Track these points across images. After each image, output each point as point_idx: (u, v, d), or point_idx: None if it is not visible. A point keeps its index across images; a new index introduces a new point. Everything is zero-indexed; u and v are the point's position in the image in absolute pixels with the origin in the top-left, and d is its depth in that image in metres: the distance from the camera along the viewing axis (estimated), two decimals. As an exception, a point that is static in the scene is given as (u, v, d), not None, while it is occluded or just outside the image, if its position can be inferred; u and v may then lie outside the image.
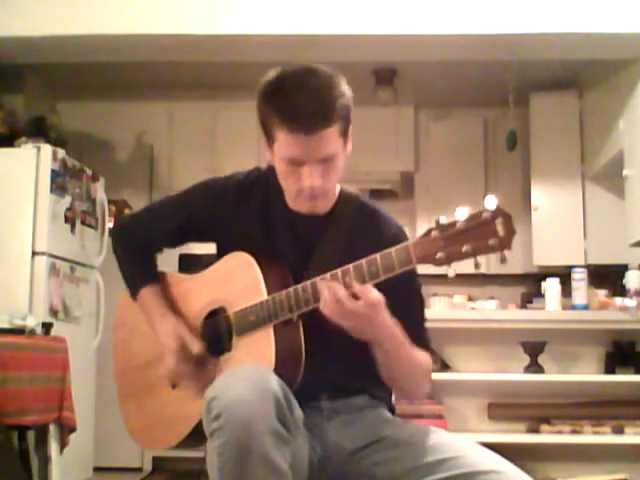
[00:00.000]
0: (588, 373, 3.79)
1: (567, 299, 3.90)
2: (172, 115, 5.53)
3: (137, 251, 1.75)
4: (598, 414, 3.68)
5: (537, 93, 5.22)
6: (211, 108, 5.46)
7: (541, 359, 3.71)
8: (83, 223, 4.23)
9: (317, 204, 1.52)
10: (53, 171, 3.92)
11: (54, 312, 3.87)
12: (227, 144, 5.37)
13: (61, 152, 4.04)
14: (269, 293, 1.50)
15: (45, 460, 3.36)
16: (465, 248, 1.27)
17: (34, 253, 3.83)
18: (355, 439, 1.50)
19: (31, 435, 3.39)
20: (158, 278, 1.74)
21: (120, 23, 3.94)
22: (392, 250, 1.35)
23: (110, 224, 4.55)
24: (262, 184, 1.63)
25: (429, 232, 1.31)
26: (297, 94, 1.43)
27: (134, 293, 1.73)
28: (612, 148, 4.62)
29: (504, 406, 3.80)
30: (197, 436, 1.55)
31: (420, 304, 1.63)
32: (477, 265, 1.29)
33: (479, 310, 4.24)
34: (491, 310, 4.23)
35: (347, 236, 1.58)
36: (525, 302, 5.20)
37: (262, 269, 1.52)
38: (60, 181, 3.99)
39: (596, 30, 3.91)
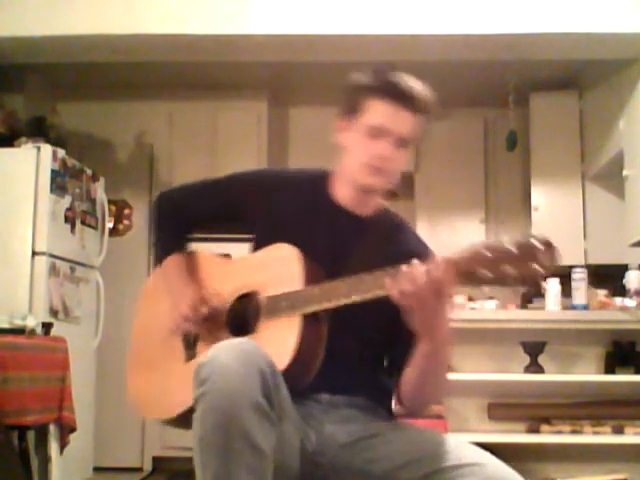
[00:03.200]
0: (588, 373, 3.79)
1: (567, 299, 3.90)
2: (172, 115, 5.52)
3: (177, 219, 1.81)
4: (598, 414, 3.68)
5: (537, 93, 5.22)
6: (211, 108, 5.46)
7: (541, 359, 3.71)
8: (83, 223, 4.23)
9: (378, 179, 1.63)
10: (53, 171, 3.92)
11: (54, 312, 3.87)
12: (227, 144, 5.36)
13: (61, 152, 4.04)
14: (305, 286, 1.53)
15: (45, 460, 3.36)
16: (508, 269, 1.30)
17: (34, 253, 3.83)
18: (349, 434, 1.51)
19: (31, 435, 3.39)
20: (189, 251, 1.80)
21: (120, 23, 3.94)
22: (436, 259, 1.37)
23: (110, 224, 4.55)
24: (311, 182, 1.72)
25: (475, 248, 1.33)
26: (407, 80, 1.63)
27: (163, 257, 1.78)
28: (612, 148, 4.62)
29: (504, 406, 3.80)
30: None
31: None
32: (524, 296, 1.34)
33: (479, 310, 4.24)
34: (491, 310, 4.23)
35: (382, 244, 1.65)
36: (525, 302, 5.20)
37: (305, 266, 1.55)
38: (60, 181, 3.99)
39: (596, 30, 3.91)
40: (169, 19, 3.96)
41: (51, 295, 3.86)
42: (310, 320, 1.50)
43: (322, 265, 1.57)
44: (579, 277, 3.85)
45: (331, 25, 3.95)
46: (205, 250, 1.82)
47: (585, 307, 3.81)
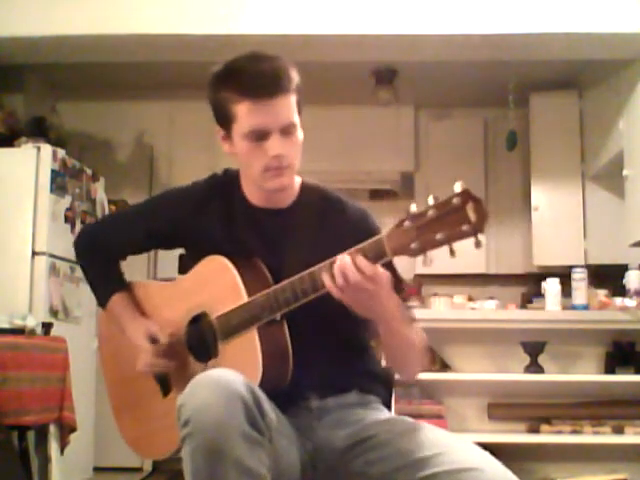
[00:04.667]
0: (588, 373, 3.79)
1: (567, 299, 3.90)
2: (172, 115, 5.52)
3: (103, 259, 1.76)
4: (598, 414, 3.68)
5: (537, 93, 5.22)
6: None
7: (541, 359, 3.71)
8: (83, 223, 4.23)
9: (284, 179, 1.53)
10: (53, 171, 3.92)
11: (54, 312, 3.87)
12: (227, 144, 5.36)
13: (61, 152, 4.04)
14: (249, 295, 1.49)
15: (45, 460, 3.36)
16: (439, 236, 1.26)
17: (34, 253, 3.83)
18: (345, 437, 1.50)
19: (31, 435, 3.39)
20: (126, 285, 1.76)
21: (120, 23, 3.94)
22: (365, 244, 1.35)
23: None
24: (220, 189, 1.65)
25: (401, 223, 1.30)
26: (251, 65, 1.49)
27: (104, 302, 1.74)
28: (612, 148, 4.62)
29: (504, 406, 3.80)
30: None
31: (399, 282, 1.58)
32: (452, 252, 1.27)
33: (479, 310, 4.24)
34: (491, 310, 4.23)
35: (315, 226, 1.59)
36: (525, 302, 5.20)
37: (239, 271, 1.52)
38: (60, 181, 3.99)
39: (596, 30, 3.91)
40: (168, 19, 3.96)
41: (51, 295, 3.86)
42: (266, 328, 1.48)
43: (265, 265, 1.55)
44: (579, 277, 3.85)
45: (331, 25, 3.95)
46: (142, 279, 1.79)
47: (585, 307, 3.81)
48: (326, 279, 1.36)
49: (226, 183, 1.65)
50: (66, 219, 4.05)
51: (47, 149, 3.94)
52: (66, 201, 4.05)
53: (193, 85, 5.33)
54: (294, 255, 1.53)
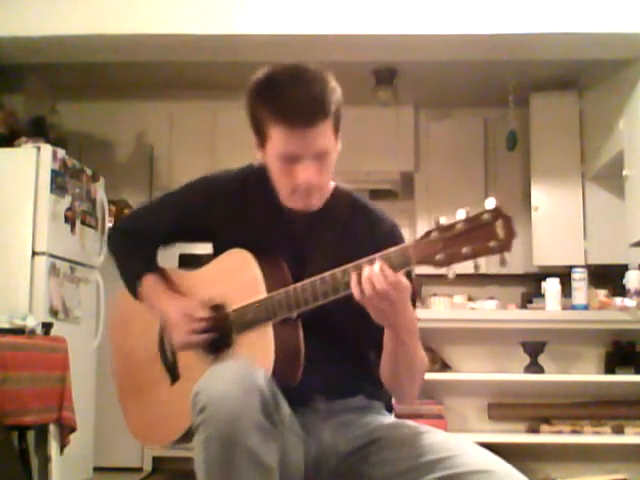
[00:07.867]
0: (588, 373, 3.79)
1: (567, 299, 3.90)
2: (172, 115, 5.53)
3: (138, 246, 1.75)
4: (598, 414, 3.69)
5: (537, 93, 5.22)
6: (211, 108, 5.46)
7: (541, 359, 3.71)
8: (83, 223, 4.23)
9: (312, 201, 1.53)
10: (53, 171, 3.92)
11: (54, 312, 3.87)
12: (227, 144, 5.36)
13: (61, 152, 4.04)
14: (268, 291, 1.50)
15: (45, 460, 3.36)
16: (465, 250, 1.26)
17: (34, 253, 3.83)
18: (351, 440, 1.50)
19: (31, 435, 3.39)
20: (159, 270, 1.74)
21: (120, 23, 3.94)
22: (391, 251, 1.35)
23: (110, 224, 4.55)
24: (253, 182, 1.63)
25: (429, 233, 1.30)
26: (291, 89, 1.44)
27: (136, 285, 1.70)
28: (612, 148, 4.62)
29: (504, 406, 3.80)
30: None
31: (414, 294, 1.57)
32: (477, 267, 1.28)
33: (479, 310, 4.25)
34: (491, 310, 4.24)
35: (342, 232, 1.59)
36: (525, 302, 5.21)
37: (261, 266, 1.53)
38: (60, 181, 3.99)
39: (596, 30, 3.91)
40: (168, 19, 3.96)
41: (51, 295, 3.86)
42: (282, 325, 1.48)
43: (287, 265, 1.55)
44: (579, 277, 3.85)
45: (331, 25, 3.95)
46: (166, 266, 1.77)
47: (585, 307, 3.82)
48: (353, 281, 1.35)
49: (260, 177, 1.62)
50: (66, 219, 4.04)
51: (47, 149, 3.94)
52: (66, 201, 4.05)
53: (193, 85, 5.39)
54: (316, 258, 1.53)
